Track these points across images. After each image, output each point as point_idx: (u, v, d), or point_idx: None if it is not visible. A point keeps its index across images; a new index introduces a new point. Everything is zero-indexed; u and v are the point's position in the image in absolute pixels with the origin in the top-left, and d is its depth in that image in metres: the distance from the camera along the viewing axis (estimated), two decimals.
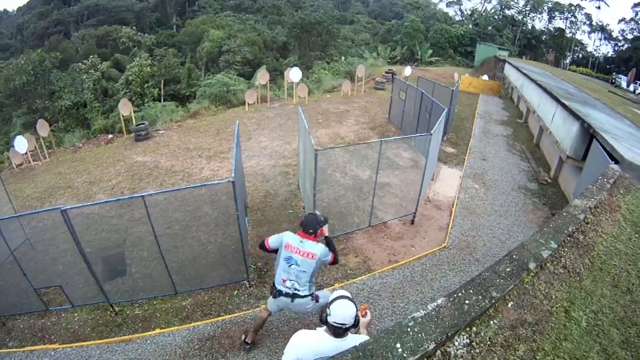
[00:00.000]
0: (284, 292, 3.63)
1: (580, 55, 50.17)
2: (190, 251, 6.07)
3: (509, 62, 24.61)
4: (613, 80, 32.44)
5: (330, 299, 2.43)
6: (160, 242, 4.77)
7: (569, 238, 3.70)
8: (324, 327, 2.42)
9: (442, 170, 9.79)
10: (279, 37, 36.29)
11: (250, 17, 43.57)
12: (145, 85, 23.22)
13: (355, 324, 2.40)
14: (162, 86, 21.98)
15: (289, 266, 3.55)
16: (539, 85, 13.62)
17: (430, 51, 40.17)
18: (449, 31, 42.91)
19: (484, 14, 50.27)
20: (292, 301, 3.64)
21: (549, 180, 9.84)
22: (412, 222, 6.99)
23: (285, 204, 7.62)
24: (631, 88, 28.99)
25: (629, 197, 4.92)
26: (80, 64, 26.75)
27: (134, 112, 14.35)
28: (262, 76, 14.67)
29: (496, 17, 49.96)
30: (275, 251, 3.72)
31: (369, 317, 2.64)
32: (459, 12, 56.40)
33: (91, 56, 27.56)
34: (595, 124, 8.20)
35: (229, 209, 5.70)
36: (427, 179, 7.26)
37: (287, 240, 3.58)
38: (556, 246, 3.46)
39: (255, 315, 4.48)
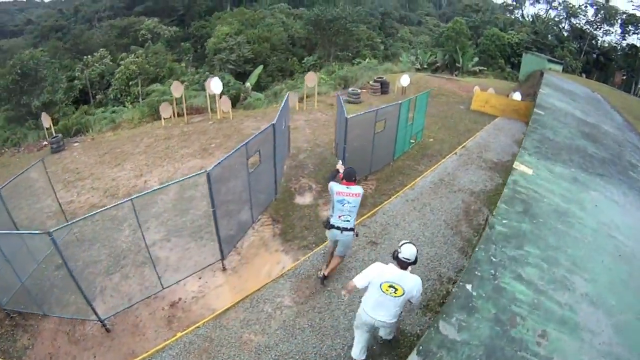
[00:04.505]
0: (335, 226, 4.77)
1: None
2: None
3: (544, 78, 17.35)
4: None
5: (400, 244, 3.70)
6: None
7: None
8: (395, 262, 3.69)
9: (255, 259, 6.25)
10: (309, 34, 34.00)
11: (303, 10, 40.92)
12: (130, 84, 23.37)
13: (415, 262, 3.64)
14: (140, 85, 21.90)
15: (343, 205, 4.72)
16: (535, 112, 9.37)
17: (475, 59, 34.22)
18: (501, 37, 36.54)
19: (545, 21, 42.79)
20: (341, 233, 4.79)
21: None
22: (107, 329, 5.11)
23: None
24: None
25: None
26: (89, 56, 27.65)
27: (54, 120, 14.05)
28: (175, 88, 12.82)
29: (560, 25, 42.26)
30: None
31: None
32: (519, 17, 48.90)
33: (101, 49, 28.49)
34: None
35: None
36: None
37: (337, 189, 4.75)
38: None
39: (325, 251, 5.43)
